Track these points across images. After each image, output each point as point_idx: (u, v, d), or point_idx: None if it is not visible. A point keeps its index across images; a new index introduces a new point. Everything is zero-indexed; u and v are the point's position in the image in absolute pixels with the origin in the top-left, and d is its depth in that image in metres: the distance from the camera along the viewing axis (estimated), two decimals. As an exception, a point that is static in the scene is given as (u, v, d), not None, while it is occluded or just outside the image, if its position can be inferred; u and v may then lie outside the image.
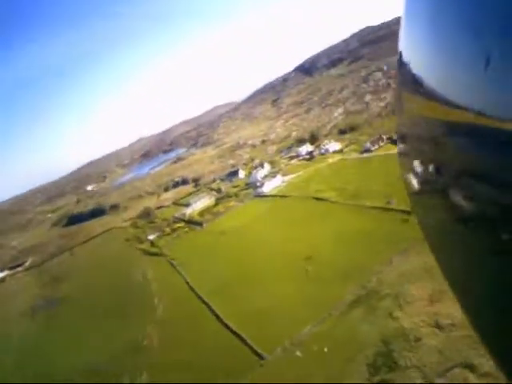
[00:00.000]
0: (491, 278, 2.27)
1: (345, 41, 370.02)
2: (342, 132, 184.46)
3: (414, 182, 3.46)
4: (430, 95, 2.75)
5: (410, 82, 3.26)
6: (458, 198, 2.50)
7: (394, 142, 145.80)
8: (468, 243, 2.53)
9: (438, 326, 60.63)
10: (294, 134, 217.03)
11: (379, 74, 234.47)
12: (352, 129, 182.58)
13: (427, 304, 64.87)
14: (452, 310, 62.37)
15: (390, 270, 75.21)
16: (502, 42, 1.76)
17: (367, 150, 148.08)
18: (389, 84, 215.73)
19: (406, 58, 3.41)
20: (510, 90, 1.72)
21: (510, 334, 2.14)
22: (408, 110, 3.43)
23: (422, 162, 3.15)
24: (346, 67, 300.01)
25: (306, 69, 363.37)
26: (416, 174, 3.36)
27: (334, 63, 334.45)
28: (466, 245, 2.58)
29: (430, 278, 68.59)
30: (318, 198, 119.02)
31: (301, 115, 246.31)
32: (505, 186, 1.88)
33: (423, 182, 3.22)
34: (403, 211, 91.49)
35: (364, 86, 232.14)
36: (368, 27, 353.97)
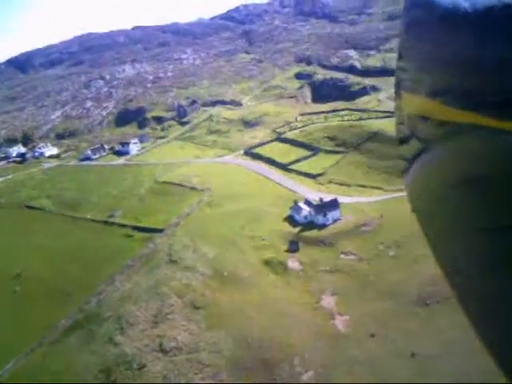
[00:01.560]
0: (492, 279, 2.26)
1: (65, 42, 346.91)
2: (60, 136, 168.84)
3: (414, 181, 3.49)
4: (430, 95, 2.71)
5: (410, 82, 3.23)
6: (458, 197, 2.54)
7: (116, 153, 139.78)
8: (469, 242, 2.52)
9: (162, 350, 57.02)
10: (3, 132, 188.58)
11: (101, 82, 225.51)
12: (71, 134, 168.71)
13: (151, 326, 60.71)
14: (176, 331, 59.98)
15: (113, 290, 68.62)
16: (502, 42, 1.77)
17: (87, 158, 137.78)
18: (111, 93, 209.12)
19: (405, 58, 3.34)
20: (510, 89, 1.75)
21: (509, 334, 2.16)
22: (408, 110, 3.39)
23: (421, 161, 3.18)
24: (66, 70, 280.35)
25: (21, 64, 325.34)
26: (416, 173, 3.44)
27: (52, 63, 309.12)
28: (466, 244, 2.58)
29: (154, 298, 65.04)
30: (30, 207, 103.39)
31: (12, 112, 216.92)
32: (505, 185, 1.92)
33: (423, 180, 3.29)
34: (127, 226, 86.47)
35: (85, 91, 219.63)
36: (91, 34, 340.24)
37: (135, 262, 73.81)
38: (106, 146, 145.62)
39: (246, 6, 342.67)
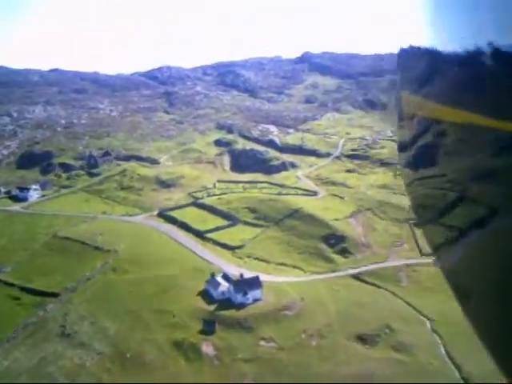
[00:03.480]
0: (492, 281, 2.28)
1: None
2: None
3: (414, 181, 3.76)
4: (430, 95, 2.91)
5: (410, 83, 3.55)
6: (457, 198, 2.61)
7: (12, 198, 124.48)
8: (470, 245, 2.54)
9: None
10: None
11: (7, 119, 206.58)
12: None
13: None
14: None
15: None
16: (502, 43, 1.80)
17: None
18: (16, 132, 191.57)
19: (405, 58, 3.69)
20: (510, 90, 1.77)
21: (509, 334, 2.15)
22: (408, 110, 3.68)
23: (421, 161, 3.32)
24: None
25: None
26: (416, 173, 3.67)
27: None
28: (467, 247, 2.60)
29: (37, 380, 53.12)
30: None
31: None
32: (505, 186, 1.95)
33: (423, 180, 3.46)
34: (15, 285, 73.10)
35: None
36: (3, 67, 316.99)
37: (18, 333, 61.02)
38: (1, 189, 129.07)
39: (169, 67, 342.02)
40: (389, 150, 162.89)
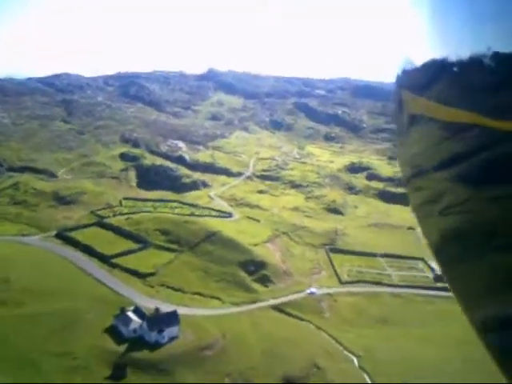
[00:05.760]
0: (491, 281, 2.28)
1: None
2: None
3: (414, 180, 3.58)
4: (431, 96, 2.86)
5: (410, 83, 3.42)
6: (456, 198, 2.54)
7: None
8: (469, 245, 2.50)
9: None
10: None
11: None
12: None
13: None
14: None
15: None
16: (502, 42, 1.80)
17: None
18: None
19: (406, 59, 3.49)
20: (509, 89, 1.76)
21: (510, 334, 2.17)
22: (408, 110, 3.54)
23: (421, 161, 3.23)
24: None
25: None
26: (415, 173, 3.50)
27: None
28: (467, 247, 2.55)
29: None
30: None
31: None
32: (505, 187, 1.94)
33: (422, 179, 3.32)
34: None
35: None
36: None
37: None
38: None
39: (67, 74, 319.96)
40: (298, 172, 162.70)
